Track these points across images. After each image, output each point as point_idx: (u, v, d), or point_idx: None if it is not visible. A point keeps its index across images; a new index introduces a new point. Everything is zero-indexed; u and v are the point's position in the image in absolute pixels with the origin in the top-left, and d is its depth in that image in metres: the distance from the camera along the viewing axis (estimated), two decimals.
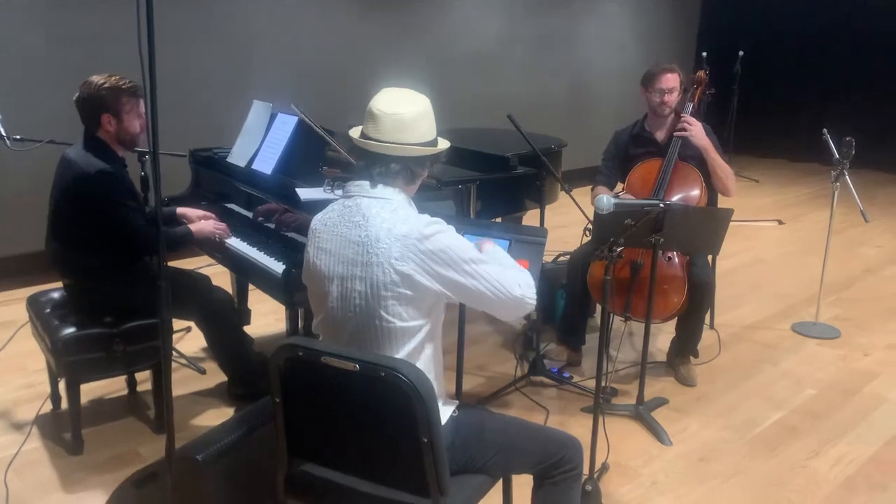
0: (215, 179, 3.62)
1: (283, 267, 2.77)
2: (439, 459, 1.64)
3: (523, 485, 2.10)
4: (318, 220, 1.96)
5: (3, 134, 3.18)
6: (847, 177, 4.09)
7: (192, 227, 3.12)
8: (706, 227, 3.08)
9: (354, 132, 1.94)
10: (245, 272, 3.14)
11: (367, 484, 1.80)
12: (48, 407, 3.26)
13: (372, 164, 1.89)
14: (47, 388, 3.31)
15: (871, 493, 2.82)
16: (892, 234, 6.40)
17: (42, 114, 4.37)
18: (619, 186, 3.82)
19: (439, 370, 1.97)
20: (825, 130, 4.21)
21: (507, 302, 1.91)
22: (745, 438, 3.17)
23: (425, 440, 1.62)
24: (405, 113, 1.87)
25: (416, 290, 1.80)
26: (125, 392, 3.41)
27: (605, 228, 2.95)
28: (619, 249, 2.49)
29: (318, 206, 2.76)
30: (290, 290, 2.73)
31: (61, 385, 3.22)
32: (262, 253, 2.96)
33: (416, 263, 1.78)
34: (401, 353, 1.83)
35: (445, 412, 1.90)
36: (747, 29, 9.25)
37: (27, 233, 4.68)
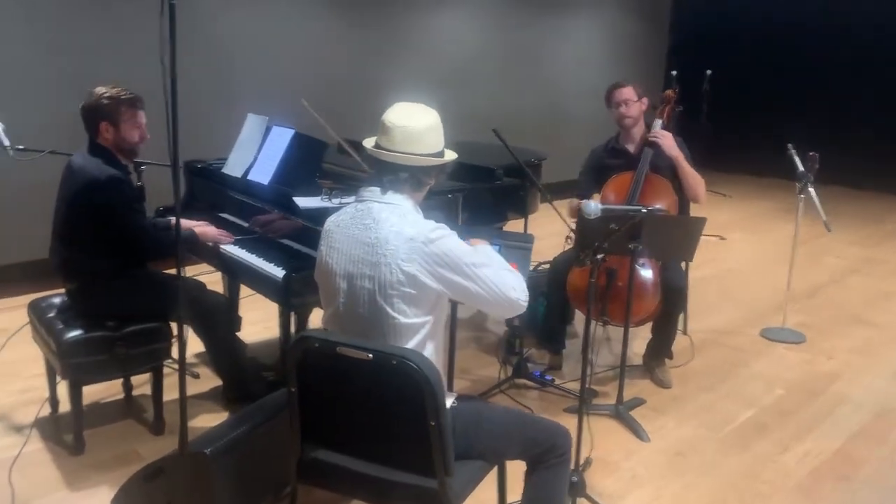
0: (210, 190, 3.74)
1: (284, 272, 2.89)
2: (446, 442, 1.79)
3: (516, 474, 2.25)
4: (331, 222, 2.10)
5: (7, 144, 3.28)
6: (811, 190, 4.32)
7: (197, 229, 3.23)
8: (681, 235, 3.27)
9: (368, 142, 2.09)
10: (244, 277, 3.25)
11: (375, 467, 1.93)
12: (46, 410, 3.33)
13: (383, 171, 2.04)
14: (44, 393, 3.39)
15: (835, 483, 3.01)
16: (853, 245, 6.69)
17: (42, 124, 4.47)
18: (595, 198, 4.00)
19: (440, 363, 2.12)
20: (790, 146, 4.44)
21: (503, 303, 2.09)
22: (719, 435, 3.35)
23: (433, 424, 1.76)
24: (415, 126, 2.02)
25: (419, 289, 1.95)
26: (121, 396, 3.50)
27: (587, 235, 3.12)
28: (600, 255, 2.66)
29: (318, 214, 2.93)
30: (289, 293, 2.86)
31: (60, 389, 3.31)
32: (261, 259, 3.08)
33: (420, 265, 1.93)
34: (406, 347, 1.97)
35: (447, 402, 2.04)
36: (714, 49, 9.58)
37: (22, 242, 4.78)
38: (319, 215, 2.91)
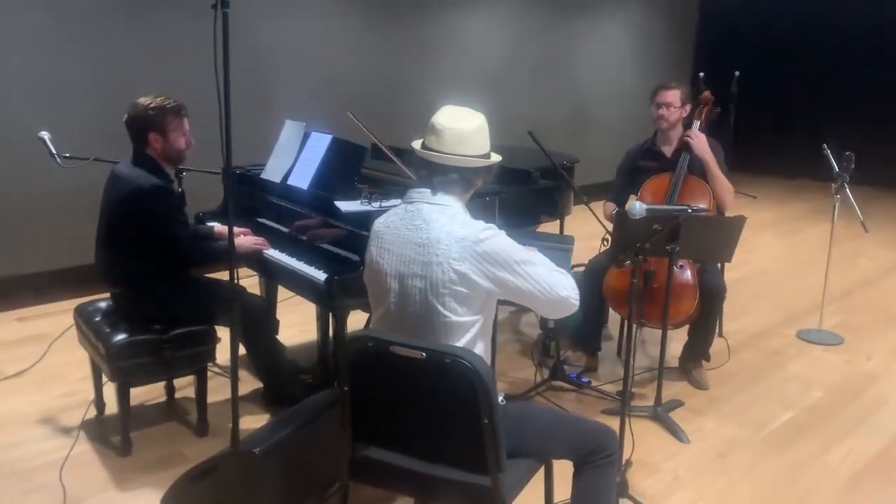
0: (249, 195, 3.79)
1: (325, 275, 2.93)
2: (499, 439, 1.81)
3: (563, 474, 2.27)
4: (380, 224, 2.13)
5: (54, 152, 3.35)
6: (847, 190, 4.30)
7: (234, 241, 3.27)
8: (720, 236, 3.26)
9: (416, 144, 2.13)
10: (286, 281, 3.29)
11: (427, 465, 1.96)
12: (91, 413, 3.39)
13: (433, 173, 2.08)
14: (88, 396, 3.46)
15: (879, 484, 2.99)
16: (888, 246, 6.62)
17: (83, 132, 4.57)
18: (632, 199, 4.01)
19: (490, 361, 2.14)
20: (825, 146, 4.41)
21: (554, 302, 2.10)
22: (758, 436, 3.34)
23: (486, 421, 1.78)
24: (465, 128, 2.07)
25: (471, 288, 1.98)
26: (164, 399, 3.56)
27: (624, 235, 3.14)
28: (641, 256, 2.67)
29: (359, 217, 2.97)
30: (331, 296, 2.90)
31: (106, 391, 3.38)
32: (303, 263, 3.13)
33: (472, 264, 1.96)
34: (457, 345, 2.00)
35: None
36: (742, 50, 9.53)
37: (58, 249, 4.88)
38: (361, 219, 2.96)
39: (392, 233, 2.07)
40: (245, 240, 3.33)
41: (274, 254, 3.29)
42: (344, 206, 3.07)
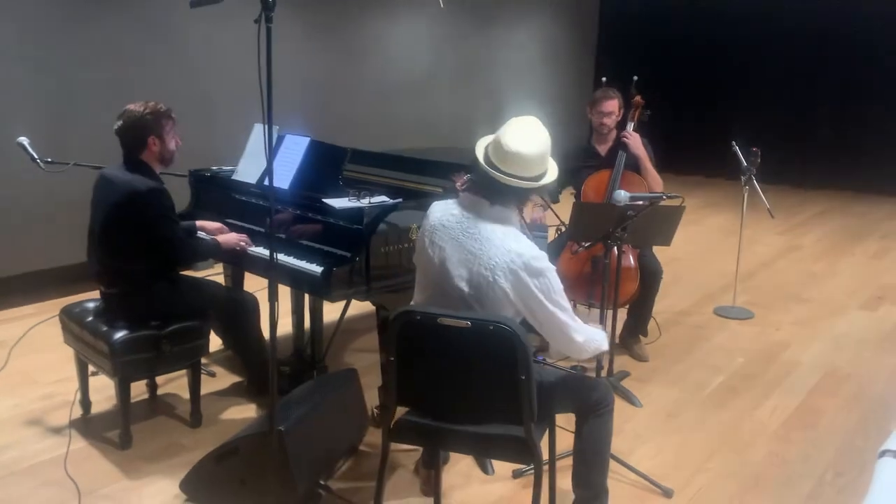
0: (219, 196, 3.92)
1: (322, 268, 3.14)
2: (533, 391, 2.11)
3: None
4: (435, 218, 2.34)
5: (35, 157, 3.39)
6: (755, 182, 4.87)
7: (219, 238, 3.43)
8: (663, 223, 3.69)
9: (480, 153, 2.31)
10: (277, 275, 3.44)
11: (466, 421, 2.23)
12: (77, 412, 3.45)
13: (510, 196, 2.28)
14: (68, 398, 3.52)
15: (804, 430, 3.50)
16: (776, 234, 7.37)
17: (63, 138, 4.57)
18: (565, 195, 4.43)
19: None
20: (734, 142, 4.99)
21: (567, 346, 2.35)
22: (699, 398, 3.80)
23: (523, 377, 2.08)
24: (542, 151, 2.28)
25: (507, 298, 2.24)
26: (147, 396, 3.65)
27: (582, 223, 3.52)
28: (587, 244, 3.03)
29: (352, 213, 3.20)
30: (330, 287, 3.11)
31: (91, 390, 3.45)
32: (291, 257, 3.31)
33: (515, 279, 2.21)
34: None
35: None
36: (639, 55, 10.24)
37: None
38: (354, 215, 3.19)
39: (446, 232, 2.29)
40: (229, 236, 3.48)
41: (259, 251, 3.45)
42: (335, 202, 3.28)
